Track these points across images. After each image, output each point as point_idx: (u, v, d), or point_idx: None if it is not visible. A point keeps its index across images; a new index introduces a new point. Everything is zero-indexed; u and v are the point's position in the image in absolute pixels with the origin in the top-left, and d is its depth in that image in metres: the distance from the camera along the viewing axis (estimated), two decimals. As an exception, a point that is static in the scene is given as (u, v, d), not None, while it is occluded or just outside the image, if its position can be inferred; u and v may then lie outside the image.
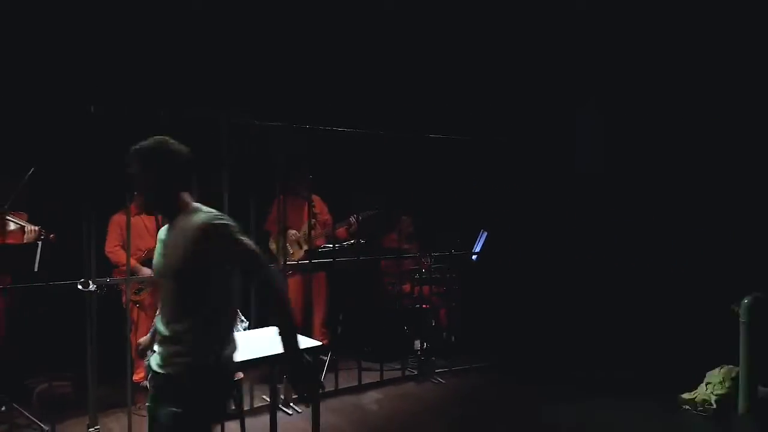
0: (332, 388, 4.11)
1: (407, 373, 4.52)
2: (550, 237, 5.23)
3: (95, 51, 4.22)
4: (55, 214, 3.70)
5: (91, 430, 3.29)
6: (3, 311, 3.68)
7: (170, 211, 1.93)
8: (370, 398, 4.12)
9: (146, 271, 3.84)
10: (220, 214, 1.89)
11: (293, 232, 4.51)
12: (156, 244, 2.02)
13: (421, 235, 5.15)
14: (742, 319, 3.60)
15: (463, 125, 4.87)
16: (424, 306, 4.86)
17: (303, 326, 4.27)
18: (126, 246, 3.53)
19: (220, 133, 3.62)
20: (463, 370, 4.64)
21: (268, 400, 3.36)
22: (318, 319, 4.62)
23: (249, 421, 3.31)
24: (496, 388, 4.32)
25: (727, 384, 3.73)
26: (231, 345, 1.95)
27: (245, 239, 1.87)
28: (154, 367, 1.91)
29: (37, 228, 3.51)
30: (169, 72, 4.40)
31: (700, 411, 3.73)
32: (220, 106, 3.77)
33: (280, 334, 1.87)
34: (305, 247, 4.42)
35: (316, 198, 4.53)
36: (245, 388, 3.56)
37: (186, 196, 1.94)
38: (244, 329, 2.95)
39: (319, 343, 2.84)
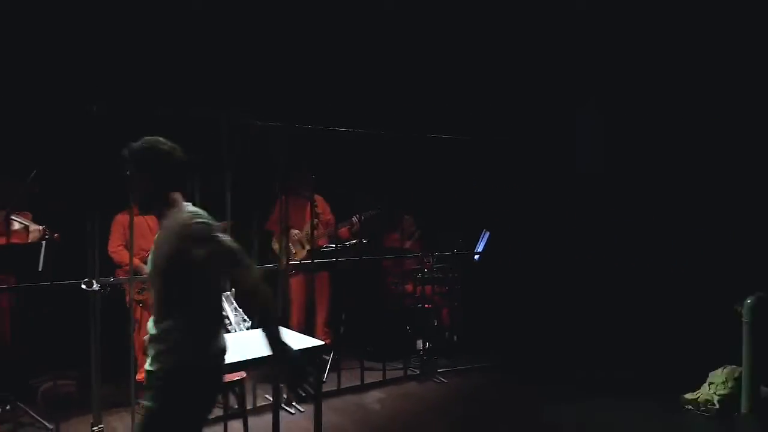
0: (335, 388, 4.12)
1: (409, 372, 4.52)
2: (550, 237, 5.22)
3: (96, 51, 4.22)
4: (59, 213, 3.71)
5: (95, 428, 3.30)
6: (7, 311, 3.70)
7: (161, 211, 1.96)
8: (373, 398, 4.12)
9: (149, 271, 3.84)
10: (200, 214, 1.89)
11: (296, 231, 4.52)
12: None
13: (423, 234, 5.16)
14: (745, 319, 3.59)
15: (463, 125, 4.86)
16: (426, 305, 4.87)
17: (305, 326, 4.28)
18: (129, 246, 3.54)
19: (221, 133, 3.63)
20: (466, 369, 4.64)
21: (271, 399, 3.38)
22: (320, 318, 4.63)
23: (252, 420, 3.33)
24: (499, 388, 4.32)
25: (729, 384, 3.72)
26: (216, 344, 1.95)
27: (225, 239, 1.87)
28: (146, 365, 1.96)
29: (41, 228, 3.53)
30: (170, 72, 4.41)
31: (703, 411, 3.73)
32: (220, 106, 3.77)
33: (266, 334, 1.88)
34: (308, 247, 4.43)
35: (318, 198, 4.54)
36: (248, 387, 3.57)
37: (177, 197, 1.96)
38: (247, 329, 2.96)
39: (322, 343, 2.85)
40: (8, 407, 3.52)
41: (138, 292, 3.84)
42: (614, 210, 5.10)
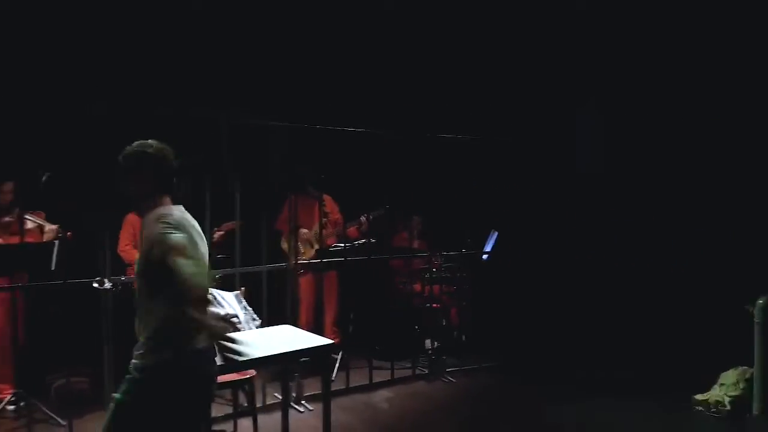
0: (343, 387, 4.13)
1: (418, 372, 4.53)
2: (551, 237, 5.20)
3: (96, 51, 4.21)
4: (71, 213, 3.75)
5: (106, 425, 3.34)
6: (21, 309, 3.75)
7: (147, 213, 2.01)
8: (381, 397, 4.14)
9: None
10: (170, 223, 1.92)
11: (304, 231, 4.54)
12: None
13: (431, 234, 5.16)
14: (756, 320, 3.56)
15: (464, 125, 4.85)
16: (434, 305, 4.87)
17: (314, 325, 4.30)
18: (138, 245, 3.57)
19: (221, 133, 3.64)
20: (474, 369, 4.64)
21: (280, 397, 3.40)
22: (329, 317, 4.65)
23: (261, 418, 3.35)
24: (507, 388, 4.32)
25: (741, 385, 3.69)
26: (193, 343, 1.95)
27: (178, 257, 1.85)
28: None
29: (55, 227, 3.57)
30: (170, 72, 4.41)
31: (713, 412, 3.70)
32: (220, 106, 3.79)
33: (214, 343, 2.02)
34: (316, 247, 4.45)
35: (327, 197, 4.55)
36: (257, 385, 3.59)
37: (164, 200, 2.01)
38: (256, 327, 2.99)
39: (331, 342, 2.87)
40: (23, 403, 3.58)
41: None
42: (614, 210, 5.08)
